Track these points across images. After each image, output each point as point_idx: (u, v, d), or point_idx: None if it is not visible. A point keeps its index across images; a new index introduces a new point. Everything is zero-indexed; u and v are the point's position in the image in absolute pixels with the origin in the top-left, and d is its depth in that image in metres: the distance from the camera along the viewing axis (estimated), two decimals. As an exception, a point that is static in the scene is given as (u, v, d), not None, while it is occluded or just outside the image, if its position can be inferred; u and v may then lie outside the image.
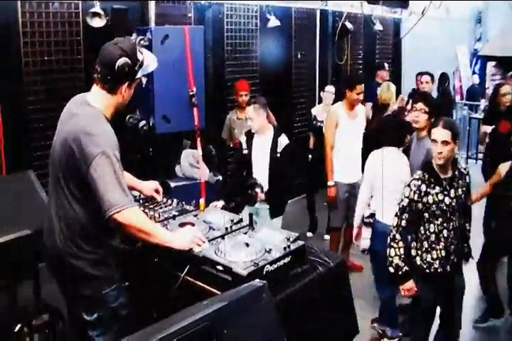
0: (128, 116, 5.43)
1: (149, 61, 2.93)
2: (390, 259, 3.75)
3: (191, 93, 5.70)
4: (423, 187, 3.65)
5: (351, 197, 5.66)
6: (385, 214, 4.38)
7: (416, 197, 3.66)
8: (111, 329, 2.86)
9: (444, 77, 9.01)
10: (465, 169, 3.81)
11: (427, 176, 3.68)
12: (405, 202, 3.70)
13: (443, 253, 3.73)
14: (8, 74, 5.10)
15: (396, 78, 10.55)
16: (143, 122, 5.49)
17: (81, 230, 2.76)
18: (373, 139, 4.95)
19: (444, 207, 3.67)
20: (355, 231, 4.94)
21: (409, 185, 3.70)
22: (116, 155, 2.67)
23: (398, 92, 9.74)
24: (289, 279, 2.93)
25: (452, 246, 3.74)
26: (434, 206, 3.66)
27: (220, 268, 2.76)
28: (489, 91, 11.64)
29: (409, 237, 3.82)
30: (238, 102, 6.51)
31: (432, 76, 7.59)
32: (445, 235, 3.71)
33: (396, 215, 3.76)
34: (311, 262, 3.13)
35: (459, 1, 10.56)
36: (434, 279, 3.81)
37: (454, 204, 3.67)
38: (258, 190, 4.56)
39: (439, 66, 9.33)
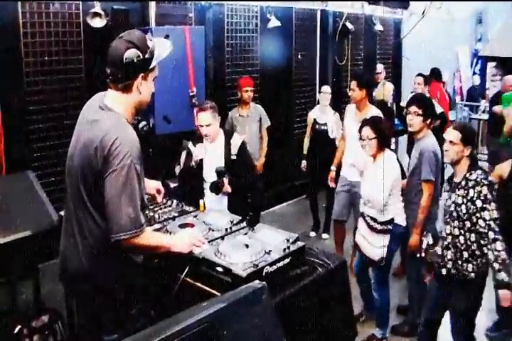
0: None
1: (162, 47, 2.67)
2: None
3: (191, 93, 5.71)
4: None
5: (354, 196, 5.61)
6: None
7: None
8: None
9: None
10: (477, 185, 3.50)
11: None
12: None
13: (439, 251, 3.75)
14: (8, 74, 5.10)
15: (396, 79, 10.55)
16: (143, 123, 5.48)
17: (109, 245, 2.51)
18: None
19: (445, 207, 3.75)
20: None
21: None
22: (137, 167, 2.47)
23: (399, 93, 9.79)
24: (288, 280, 2.93)
25: (448, 251, 3.66)
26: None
27: (219, 269, 2.76)
28: (489, 92, 11.65)
29: None
30: (243, 98, 6.38)
31: (424, 77, 7.56)
32: (443, 234, 3.73)
33: None
34: (310, 263, 3.13)
35: (459, 1, 10.55)
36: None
37: (451, 209, 3.65)
38: (225, 179, 4.27)
39: (439, 67, 9.32)
